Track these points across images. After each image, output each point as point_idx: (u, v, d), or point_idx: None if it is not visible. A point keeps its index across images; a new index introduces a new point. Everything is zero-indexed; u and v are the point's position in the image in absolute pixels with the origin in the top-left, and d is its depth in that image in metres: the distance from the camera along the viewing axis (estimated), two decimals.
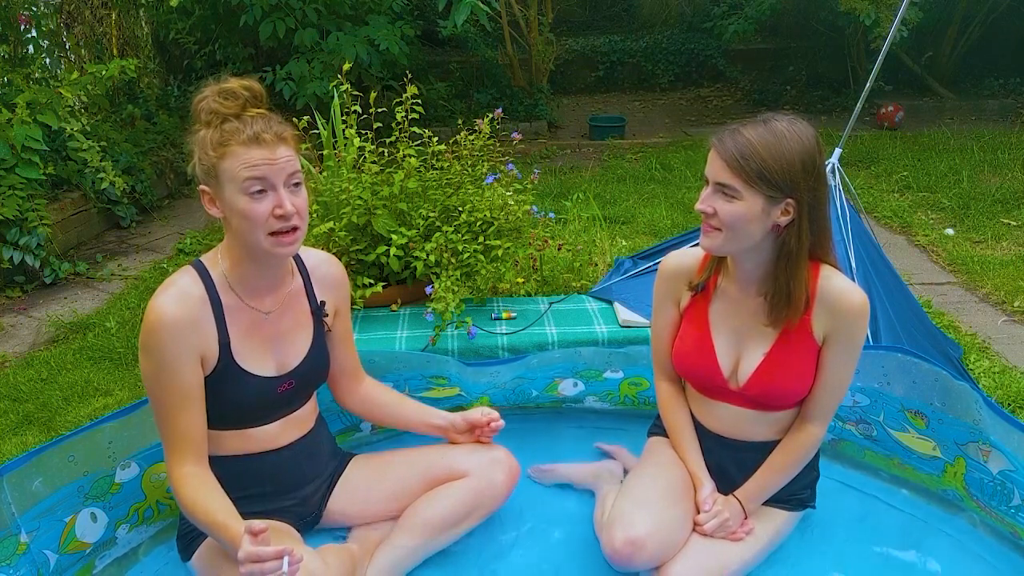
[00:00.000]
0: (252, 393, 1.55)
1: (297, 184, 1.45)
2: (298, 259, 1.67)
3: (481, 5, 4.17)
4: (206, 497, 1.43)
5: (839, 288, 1.52)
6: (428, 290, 2.28)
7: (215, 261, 1.54)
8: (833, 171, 2.48)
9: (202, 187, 1.46)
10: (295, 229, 1.45)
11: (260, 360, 1.56)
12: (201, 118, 1.43)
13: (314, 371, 1.66)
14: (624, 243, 3.48)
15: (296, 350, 1.62)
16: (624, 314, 2.44)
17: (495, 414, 1.77)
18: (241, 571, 1.24)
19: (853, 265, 2.33)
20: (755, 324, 1.58)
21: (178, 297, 1.46)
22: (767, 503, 1.69)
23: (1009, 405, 2.41)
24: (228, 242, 1.53)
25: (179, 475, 1.46)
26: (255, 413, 1.59)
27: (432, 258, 2.30)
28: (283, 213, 1.42)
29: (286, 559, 1.24)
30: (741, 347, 1.61)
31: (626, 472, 1.95)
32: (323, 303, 1.68)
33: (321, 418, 1.79)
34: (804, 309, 1.52)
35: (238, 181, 1.40)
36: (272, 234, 1.43)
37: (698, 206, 1.49)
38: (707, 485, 1.66)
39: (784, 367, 1.56)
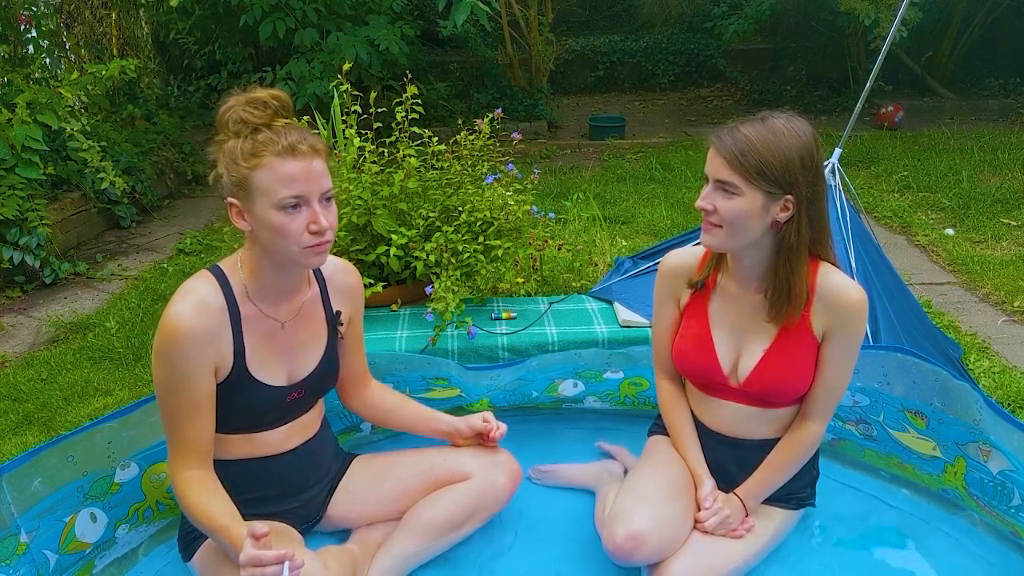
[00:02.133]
0: (262, 401, 1.54)
1: (329, 199, 1.43)
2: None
3: (481, 5, 4.17)
4: (208, 500, 1.42)
5: (838, 284, 1.52)
6: (428, 290, 2.28)
7: (235, 269, 1.51)
8: (833, 171, 2.48)
9: (230, 200, 1.41)
10: (327, 242, 1.43)
11: (272, 370, 1.55)
12: (229, 128, 1.39)
13: (324, 380, 1.65)
14: (624, 243, 3.48)
15: (309, 360, 1.61)
16: (624, 314, 2.44)
17: (500, 424, 1.77)
18: (242, 574, 1.24)
19: (853, 265, 2.33)
20: (755, 321, 1.59)
21: (197, 307, 1.42)
22: (767, 502, 1.69)
23: (1009, 405, 2.41)
24: (251, 253, 1.49)
25: (182, 478, 1.46)
26: (263, 419, 1.58)
27: (432, 258, 2.30)
28: (318, 229, 1.39)
29: (286, 564, 1.23)
30: (741, 344, 1.62)
31: (626, 473, 1.95)
32: (339, 313, 1.66)
33: (326, 421, 1.78)
34: (803, 305, 1.52)
35: (273, 196, 1.36)
36: (305, 248, 1.41)
37: (698, 203, 1.50)
38: (708, 483, 1.66)
39: (784, 363, 1.57)
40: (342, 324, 1.67)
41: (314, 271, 1.64)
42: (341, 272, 1.69)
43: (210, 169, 1.46)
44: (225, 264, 1.52)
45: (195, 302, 1.43)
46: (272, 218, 1.37)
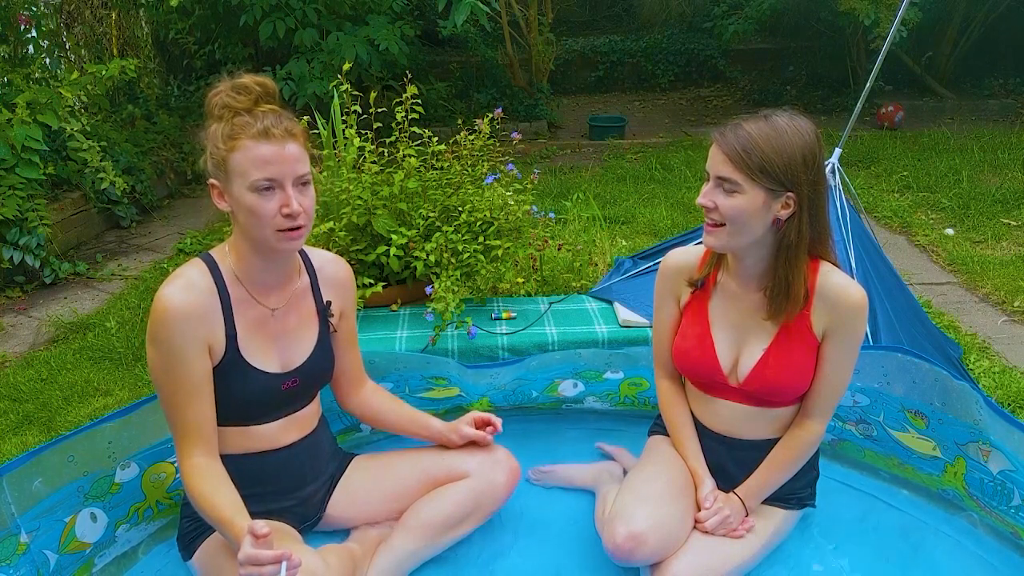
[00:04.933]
0: (257, 389, 1.55)
1: (305, 183, 1.45)
2: (305, 258, 1.67)
3: (481, 5, 4.17)
4: (214, 491, 1.42)
5: (838, 284, 1.52)
6: (428, 290, 2.28)
7: (223, 254, 1.55)
8: (833, 171, 2.47)
9: (211, 181, 1.46)
10: (301, 227, 1.45)
11: (265, 356, 1.56)
12: (214, 112, 1.44)
13: (318, 370, 1.66)
14: (624, 243, 3.48)
15: (301, 348, 1.62)
16: (624, 314, 2.44)
17: (492, 418, 1.77)
18: (240, 572, 1.24)
19: (853, 265, 2.33)
20: (755, 319, 1.59)
21: (185, 287, 1.46)
22: (767, 502, 1.69)
23: (1009, 405, 2.41)
24: (235, 236, 1.53)
25: (188, 466, 1.46)
26: (258, 410, 1.59)
27: (432, 258, 2.30)
28: (290, 212, 1.41)
29: (284, 564, 1.23)
30: (741, 343, 1.62)
31: (625, 473, 1.95)
32: (329, 303, 1.68)
33: (323, 419, 1.78)
34: (803, 304, 1.52)
35: (247, 177, 1.40)
36: (278, 231, 1.44)
37: (699, 200, 1.50)
38: (708, 482, 1.67)
39: (783, 362, 1.57)
40: (332, 315, 1.68)
41: (305, 262, 1.67)
42: (331, 264, 1.72)
43: (200, 156, 1.50)
44: (215, 251, 1.56)
45: (183, 283, 1.46)
46: (246, 199, 1.41)
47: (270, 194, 1.41)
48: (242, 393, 1.54)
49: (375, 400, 1.85)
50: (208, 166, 1.46)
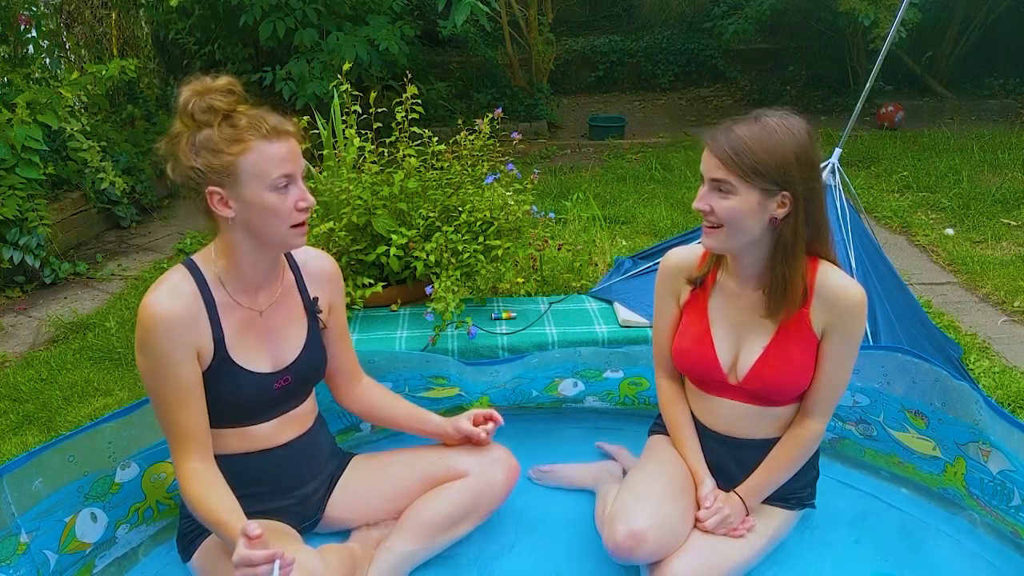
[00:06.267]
0: (249, 390, 1.55)
1: (304, 177, 1.49)
2: (288, 255, 1.67)
3: (481, 5, 4.17)
4: (210, 494, 1.43)
5: (837, 283, 1.53)
6: (428, 290, 2.28)
7: (208, 259, 1.53)
8: (833, 171, 2.47)
9: (211, 188, 1.41)
10: (307, 220, 1.49)
11: (255, 356, 1.56)
12: (195, 118, 1.40)
13: (310, 367, 1.66)
14: (624, 243, 3.48)
15: (291, 346, 1.62)
16: (624, 314, 2.44)
17: (493, 414, 1.77)
18: (235, 574, 1.24)
19: (853, 265, 2.33)
20: (754, 318, 1.59)
21: (170, 293, 1.45)
22: (767, 501, 1.69)
23: (1009, 405, 2.41)
24: (228, 240, 1.50)
25: (184, 471, 1.46)
26: (253, 410, 1.59)
27: (432, 258, 2.30)
28: (307, 205, 1.46)
29: (277, 563, 1.23)
30: (740, 341, 1.62)
31: (625, 473, 1.95)
32: (316, 299, 1.68)
33: (320, 418, 1.78)
34: (802, 303, 1.53)
35: (265, 177, 1.40)
36: (292, 226, 1.46)
37: (695, 204, 1.51)
38: (708, 482, 1.67)
39: (783, 360, 1.57)
40: (320, 311, 1.68)
41: (289, 259, 1.67)
42: (315, 259, 1.71)
43: (164, 162, 1.46)
44: (198, 256, 1.55)
45: (167, 289, 1.46)
46: (265, 199, 1.42)
47: (286, 191, 1.43)
48: (234, 395, 1.53)
49: (372, 395, 1.85)
50: (204, 174, 1.40)
